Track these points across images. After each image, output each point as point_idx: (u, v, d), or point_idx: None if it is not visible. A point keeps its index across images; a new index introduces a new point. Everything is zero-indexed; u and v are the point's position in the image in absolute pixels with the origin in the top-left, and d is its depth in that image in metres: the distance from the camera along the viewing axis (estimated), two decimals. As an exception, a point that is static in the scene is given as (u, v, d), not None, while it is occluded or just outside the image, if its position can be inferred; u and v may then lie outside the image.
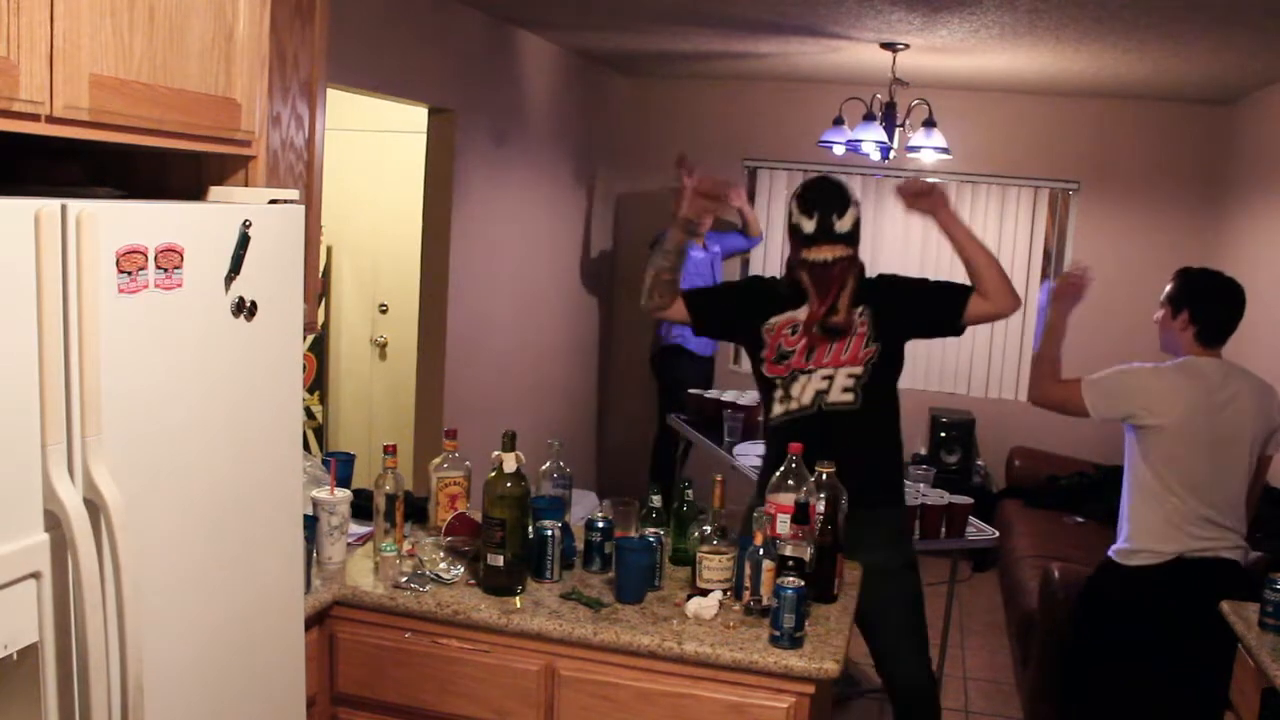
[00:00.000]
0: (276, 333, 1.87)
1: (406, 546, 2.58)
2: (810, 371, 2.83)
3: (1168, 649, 2.90)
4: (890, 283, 2.91)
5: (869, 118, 4.70)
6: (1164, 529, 2.89)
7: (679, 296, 2.93)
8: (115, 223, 1.51)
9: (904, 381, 2.93)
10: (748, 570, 2.33)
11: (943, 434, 5.67)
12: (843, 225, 2.76)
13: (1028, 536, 4.75)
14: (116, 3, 1.58)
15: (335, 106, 2.96)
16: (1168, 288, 3.03)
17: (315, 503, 2.48)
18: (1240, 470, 2.91)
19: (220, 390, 1.76)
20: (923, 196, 2.84)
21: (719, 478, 2.55)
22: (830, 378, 2.82)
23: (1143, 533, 2.93)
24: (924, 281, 2.93)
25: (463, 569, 2.49)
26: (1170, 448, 2.88)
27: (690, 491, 2.68)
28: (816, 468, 2.53)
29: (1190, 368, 2.92)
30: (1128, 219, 5.82)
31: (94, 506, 1.48)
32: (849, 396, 2.81)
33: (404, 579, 2.43)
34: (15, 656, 1.42)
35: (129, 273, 1.53)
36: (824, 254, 2.76)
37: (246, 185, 1.98)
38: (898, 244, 6.01)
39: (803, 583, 2.19)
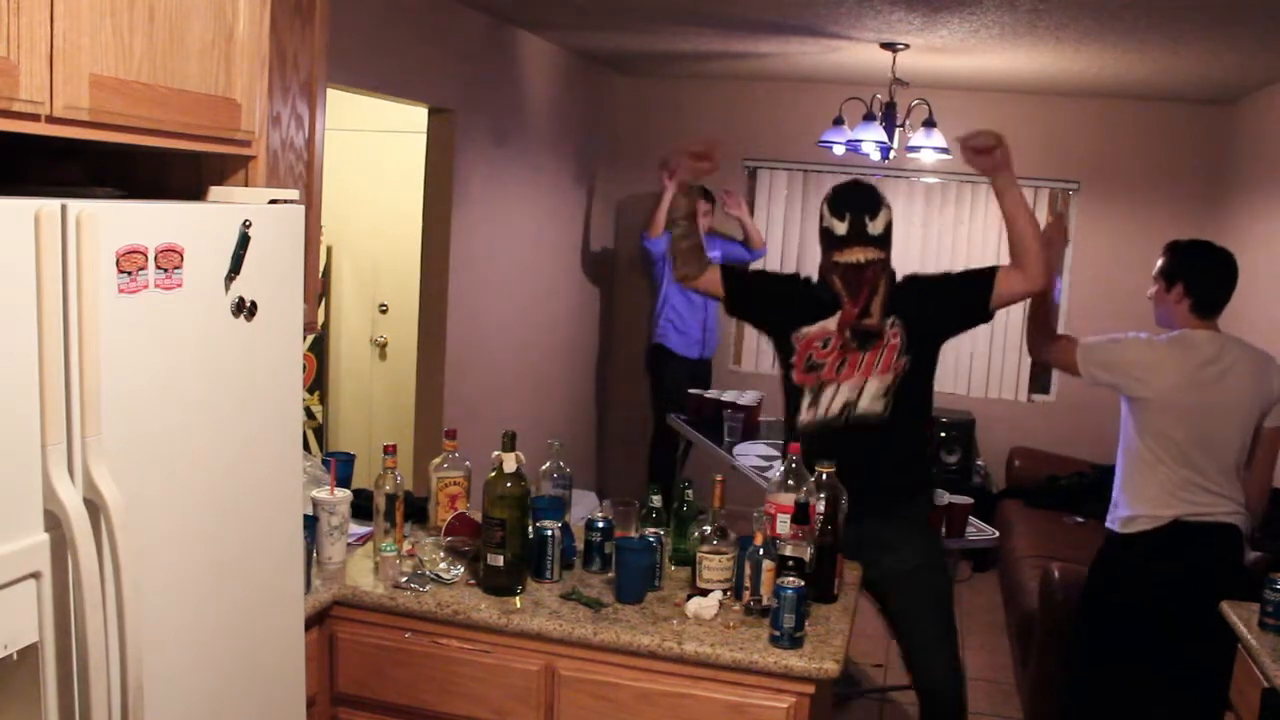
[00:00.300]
0: (276, 333, 1.87)
1: (406, 546, 2.58)
2: (839, 383, 2.79)
3: (1169, 627, 2.88)
4: (917, 286, 2.86)
5: (869, 118, 4.70)
6: (1160, 495, 2.89)
7: (711, 267, 2.91)
8: (115, 223, 1.51)
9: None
10: (748, 570, 2.33)
11: (943, 434, 5.66)
12: (875, 227, 2.71)
13: (1028, 536, 4.75)
14: (116, 3, 1.58)
15: (335, 106, 2.95)
16: (1159, 262, 3.02)
17: (315, 503, 2.48)
18: (1234, 442, 2.89)
19: (220, 390, 1.76)
20: (983, 154, 2.72)
21: (719, 478, 2.55)
22: (860, 388, 2.77)
23: (1139, 500, 2.92)
24: (947, 277, 2.92)
25: (463, 569, 2.49)
26: (1159, 419, 2.88)
27: (690, 491, 2.68)
28: (817, 468, 2.53)
29: (1184, 340, 2.92)
30: (1128, 219, 5.82)
31: (94, 506, 1.48)
32: (878, 406, 2.76)
33: (404, 579, 2.43)
34: (15, 656, 1.42)
35: (129, 273, 1.53)
36: (856, 255, 2.71)
37: (246, 185, 1.98)
38: (900, 242, 5.99)
39: (803, 583, 2.20)
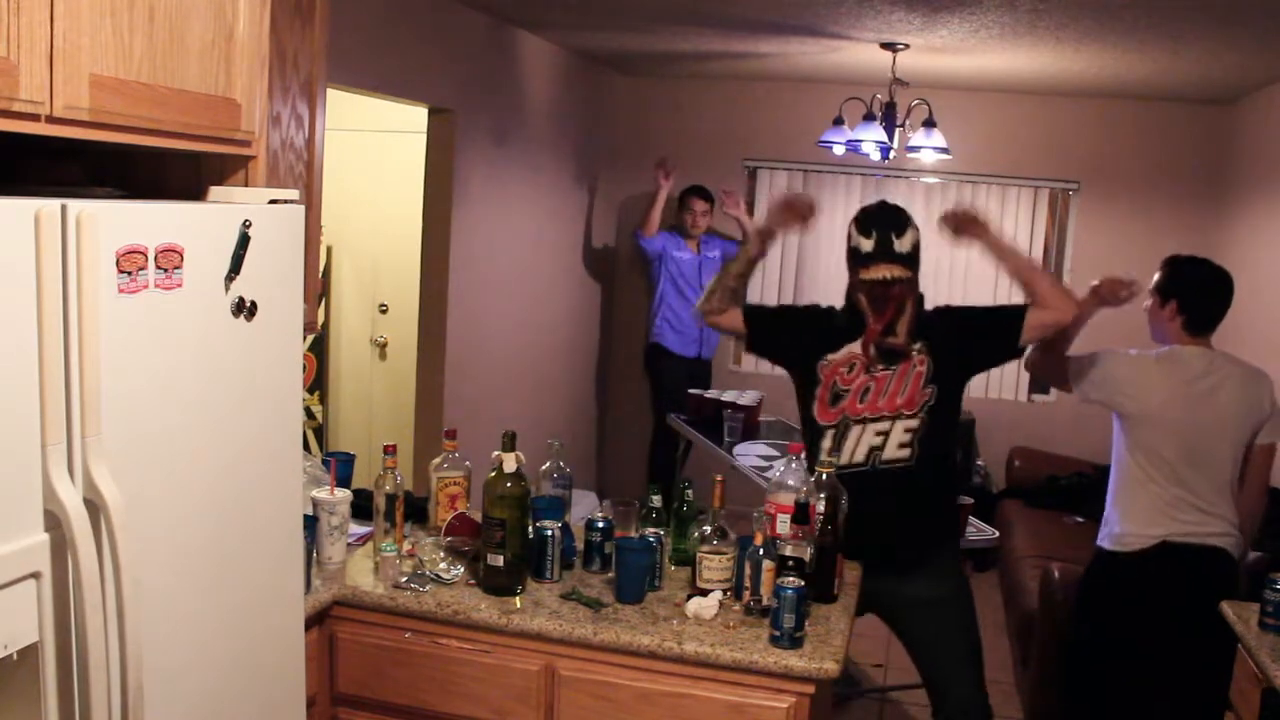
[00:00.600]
0: (276, 333, 1.87)
1: (406, 546, 2.58)
2: (864, 422, 2.74)
3: (1163, 644, 2.89)
4: (948, 316, 2.85)
5: (869, 118, 4.70)
6: (1148, 513, 2.88)
7: (736, 307, 2.90)
8: (115, 223, 1.51)
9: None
10: (748, 570, 2.33)
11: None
12: (902, 245, 2.69)
13: (1028, 536, 4.75)
14: (116, 3, 1.58)
15: (335, 106, 2.95)
16: (1156, 276, 3.02)
17: (315, 503, 2.48)
18: (1223, 459, 2.89)
19: (220, 390, 1.76)
20: (968, 224, 2.81)
21: (719, 478, 2.54)
22: (886, 433, 2.74)
23: (1127, 517, 2.92)
24: (978, 311, 2.93)
25: (463, 569, 2.49)
26: (1148, 436, 2.88)
27: (690, 491, 2.68)
28: (817, 468, 2.53)
29: (1173, 357, 2.91)
30: (1128, 219, 5.81)
31: (94, 506, 1.48)
32: (905, 452, 2.73)
33: (404, 579, 2.43)
34: (15, 656, 1.42)
35: (129, 273, 1.53)
36: (882, 272, 2.68)
37: (246, 185, 1.98)
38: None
39: (803, 583, 2.20)
